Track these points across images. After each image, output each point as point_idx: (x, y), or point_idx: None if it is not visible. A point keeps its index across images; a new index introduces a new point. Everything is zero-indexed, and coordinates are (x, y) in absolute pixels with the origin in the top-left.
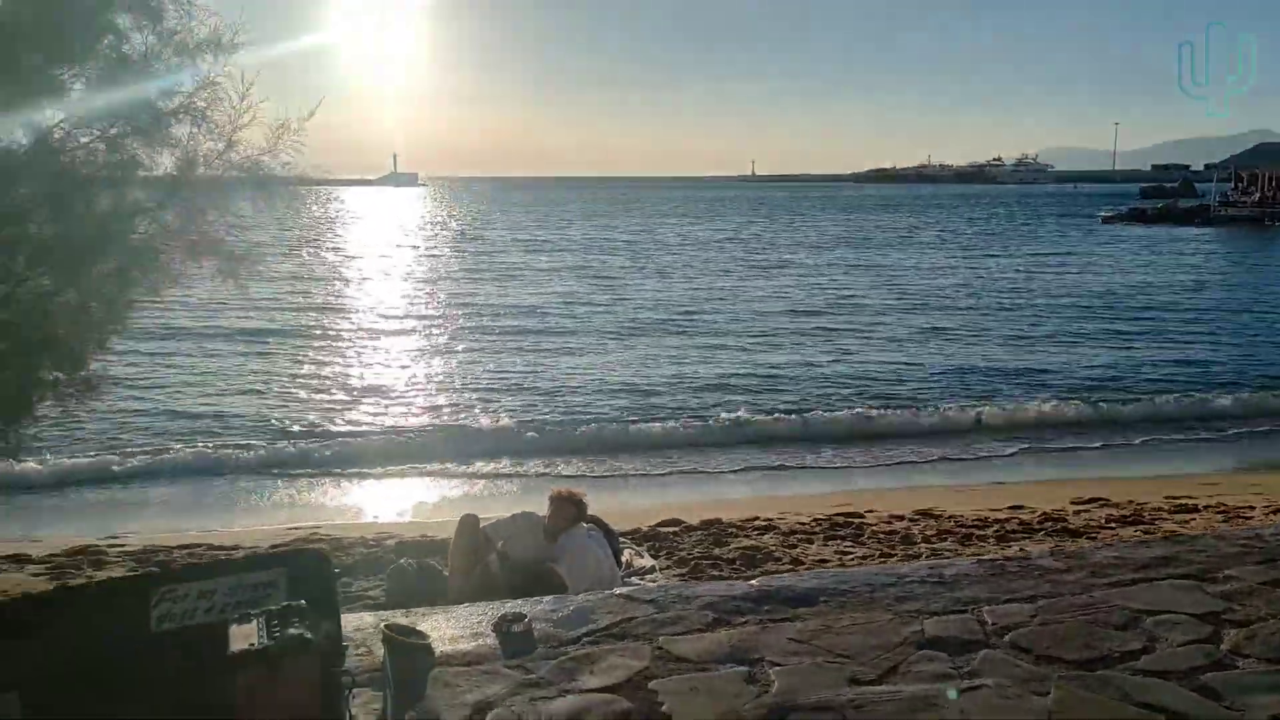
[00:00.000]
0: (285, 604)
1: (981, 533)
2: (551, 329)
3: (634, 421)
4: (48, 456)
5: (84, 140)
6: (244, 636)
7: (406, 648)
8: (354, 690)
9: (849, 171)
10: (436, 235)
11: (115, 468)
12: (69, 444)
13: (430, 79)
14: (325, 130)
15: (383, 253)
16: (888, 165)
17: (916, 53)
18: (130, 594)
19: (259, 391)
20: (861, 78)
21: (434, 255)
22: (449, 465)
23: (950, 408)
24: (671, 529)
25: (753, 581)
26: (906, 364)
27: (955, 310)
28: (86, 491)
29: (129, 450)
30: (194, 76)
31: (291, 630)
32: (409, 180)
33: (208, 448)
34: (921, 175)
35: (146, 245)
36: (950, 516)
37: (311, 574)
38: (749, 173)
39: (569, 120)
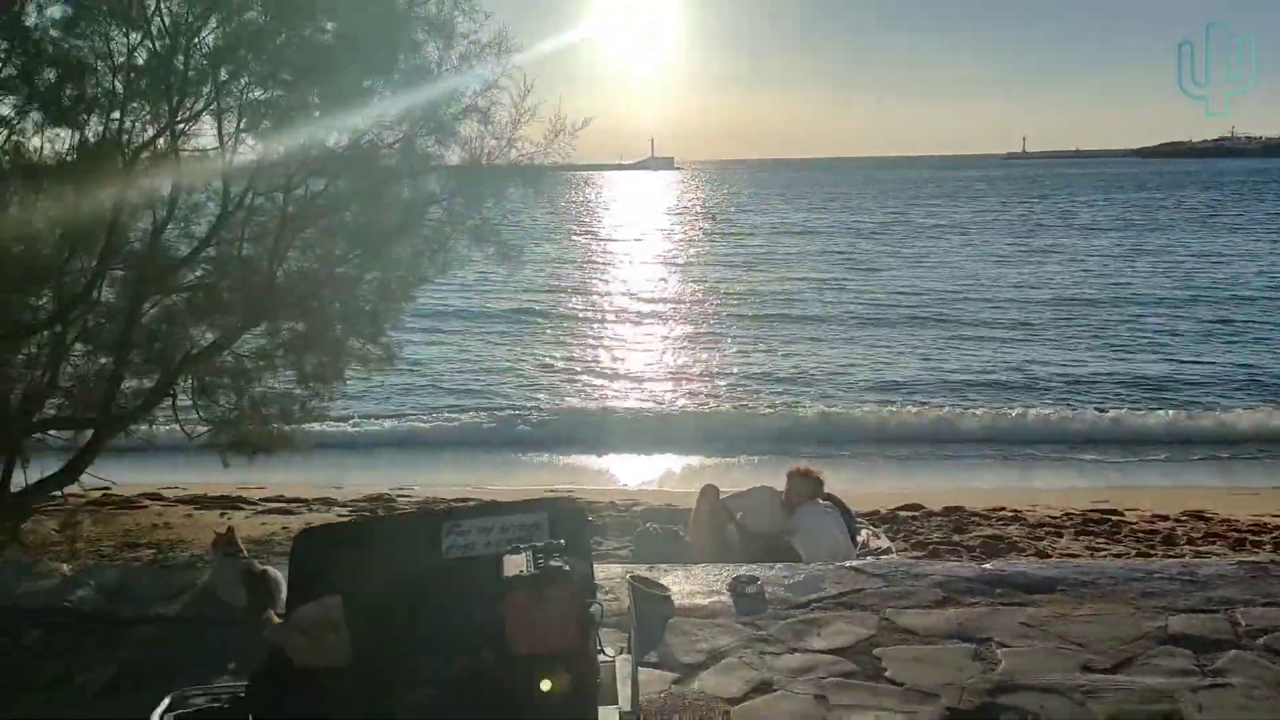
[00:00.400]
0: (548, 541)
1: (1257, 539)
2: (798, 315)
3: (878, 408)
4: (354, 418)
5: (388, 140)
6: (515, 565)
7: (649, 596)
8: (602, 627)
9: (1135, 146)
10: (689, 219)
11: (401, 431)
12: (361, 408)
13: (689, 63)
14: (587, 116)
15: (636, 236)
16: (1181, 138)
17: (1221, 9)
18: (426, 526)
19: (517, 369)
20: (1152, 41)
21: (685, 239)
22: (694, 444)
23: (1230, 408)
24: (911, 513)
25: (986, 565)
26: (1184, 360)
27: (1250, 302)
28: (378, 450)
29: (409, 417)
30: (479, 80)
31: (554, 562)
32: (665, 164)
33: (476, 418)
34: (1221, 148)
35: (438, 231)
36: (1224, 520)
37: (569, 520)
38: (1019, 149)
39: (825, 100)
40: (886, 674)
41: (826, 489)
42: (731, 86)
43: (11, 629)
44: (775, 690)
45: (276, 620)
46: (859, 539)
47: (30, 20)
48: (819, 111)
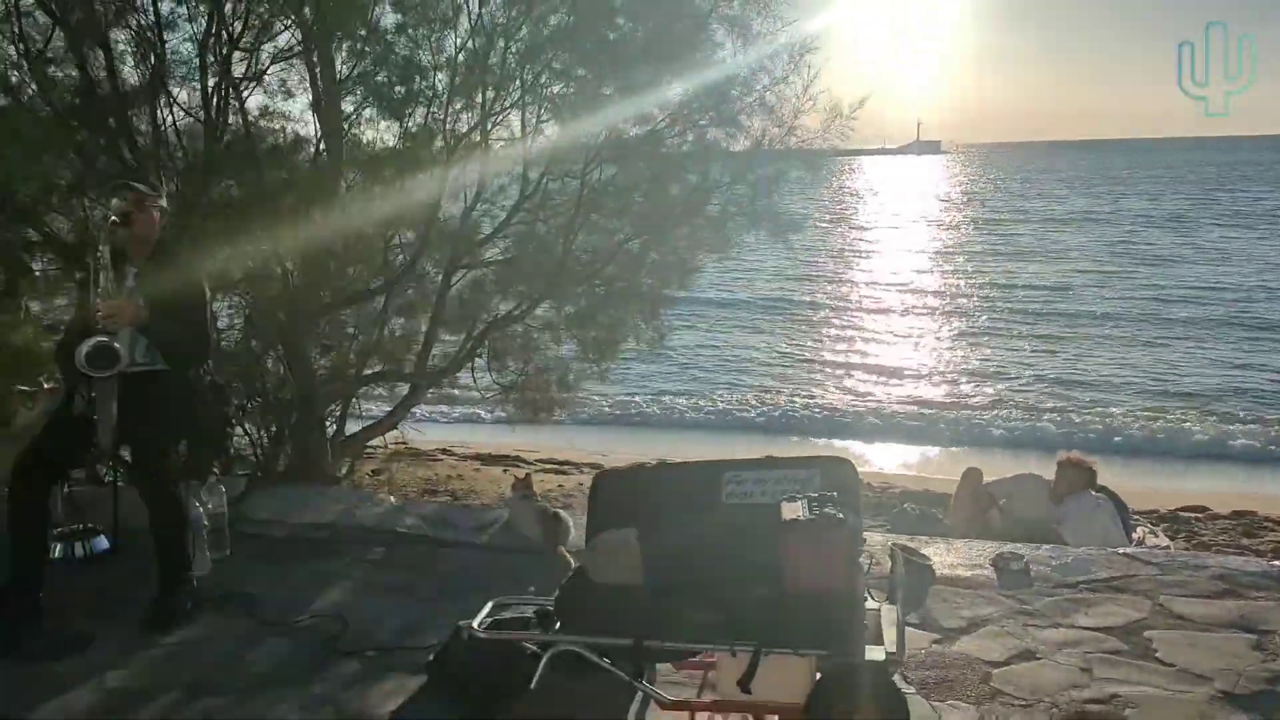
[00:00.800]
0: (822, 493)
1: None
2: (1073, 312)
3: (1161, 414)
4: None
5: (678, 130)
6: (791, 511)
7: (912, 562)
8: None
9: None
10: (954, 206)
11: (656, 410)
12: (623, 387)
13: (962, 42)
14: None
15: (898, 224)
16: None
17: None
18: (708, 474)
19: (769, 356)
20: None
21: (950, 227)
22: (953, 437)
23: None
24: (1194, 514)
25: (1276, 561)
26: None
27: None
28: (636, 426)
29: (664, 397)
30: (767, 74)
31: (828, 510)
32: (931, 148)
33: (730, 402)
34: None
35: (719, 214)
36: None
37: (841, 478)
38: None
39: (1111, 76)
40: (1157, 654)
41: (1099, 482)
42: (1008, 64)
43: (359, 544)
44: (1038, 659)
45: (567, 555)
46: (1134, 535)
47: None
48: (1111, 88)
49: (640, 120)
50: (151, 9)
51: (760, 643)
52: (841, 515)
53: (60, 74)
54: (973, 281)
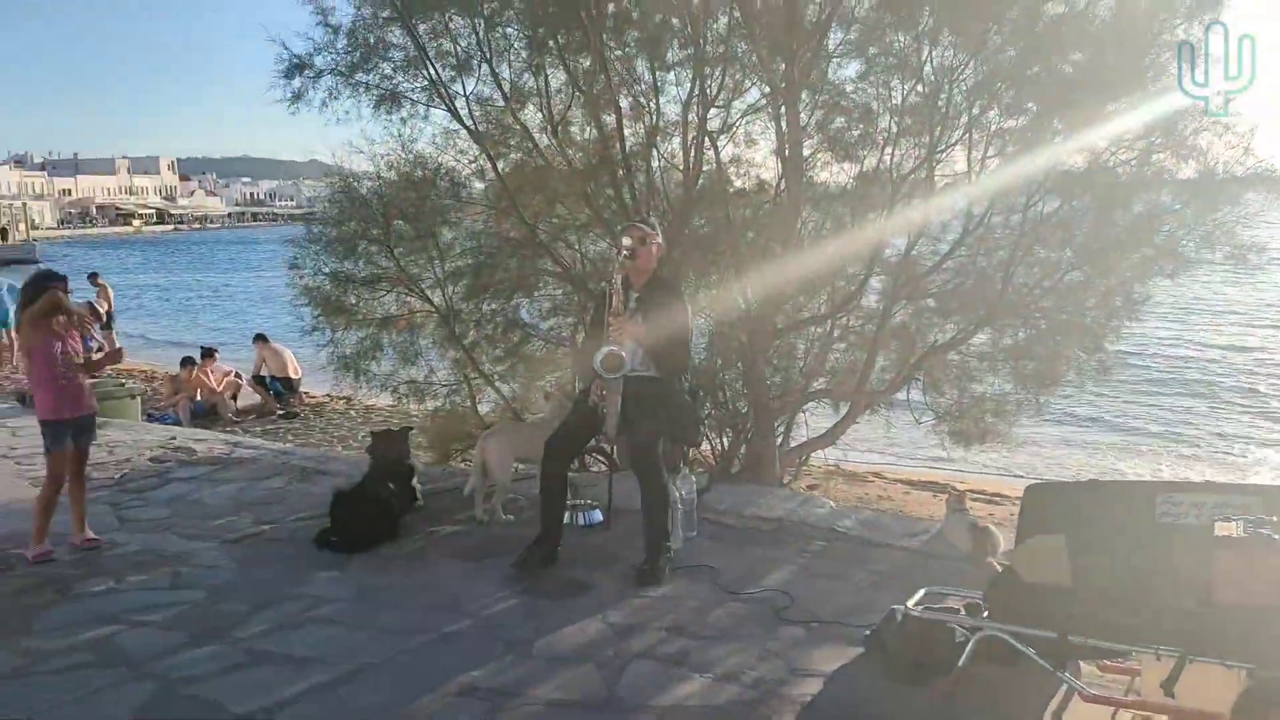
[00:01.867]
0: (1260, 516)
1: None
2: None
3: None
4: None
5: (1123, 157)
6: (1225, 529)
7: None
8: None
9: None
10: None
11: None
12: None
13: None
14: None
15: None
16: None
17: None
18: (1141, 493)
19: (1217, 402)
20: None
21: None
22: None
23: None
24: None
25: None
26: None
27: None
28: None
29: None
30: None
31: (1264, 531)
32: None
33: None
34: None
35: (1168, 239)
36: None
37: None
38: None
39: None
40: None
41: None
42: None
43: (802, 538)
44: None
45: (996, 565)
46: None
47: (830, 76)
48: None
49: (1086, 150)
50: (650, 76)
51: (1185, 649)
52: (1278, 538)
53: (579, 135)
54: None
